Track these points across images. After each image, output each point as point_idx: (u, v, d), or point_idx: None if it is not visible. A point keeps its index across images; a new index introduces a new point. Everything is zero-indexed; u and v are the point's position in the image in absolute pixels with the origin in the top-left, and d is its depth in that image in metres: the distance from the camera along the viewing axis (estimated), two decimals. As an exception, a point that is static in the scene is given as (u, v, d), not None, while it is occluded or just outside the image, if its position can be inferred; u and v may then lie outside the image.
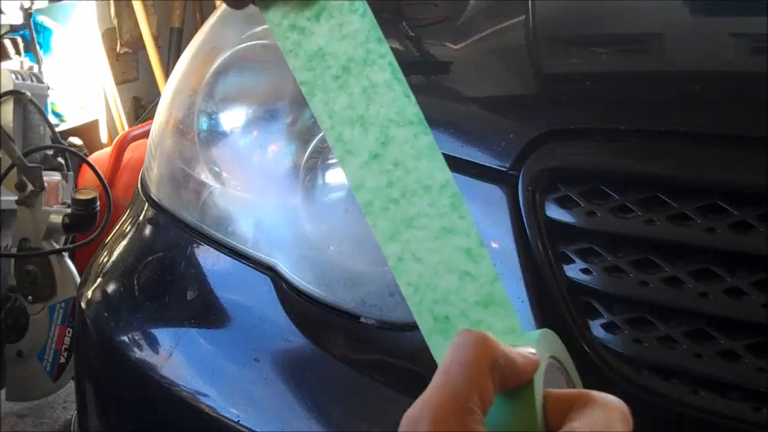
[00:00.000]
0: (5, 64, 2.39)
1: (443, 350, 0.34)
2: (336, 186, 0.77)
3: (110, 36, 3.37)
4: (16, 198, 1.90)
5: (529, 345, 0.35)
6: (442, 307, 0.37)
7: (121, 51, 3.44)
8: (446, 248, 0.38)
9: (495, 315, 0.37)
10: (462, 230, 0.38)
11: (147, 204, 0.90)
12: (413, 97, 0.38)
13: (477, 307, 0.37)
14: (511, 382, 0.34)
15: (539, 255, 0.63)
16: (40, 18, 2.88)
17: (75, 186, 2.21)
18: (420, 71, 0.85)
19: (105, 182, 2.09)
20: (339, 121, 0.37)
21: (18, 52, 2.62)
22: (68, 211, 1.87)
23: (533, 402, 0.34)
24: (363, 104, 0.37)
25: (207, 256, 0.82)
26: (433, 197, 0.38)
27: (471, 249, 0.38)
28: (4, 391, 1.91)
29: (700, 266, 0.58)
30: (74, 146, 2.51)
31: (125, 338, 0.83)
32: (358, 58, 0.38)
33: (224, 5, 0.94)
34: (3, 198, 1.96)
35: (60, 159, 2.19)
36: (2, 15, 2.56)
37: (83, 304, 0.90)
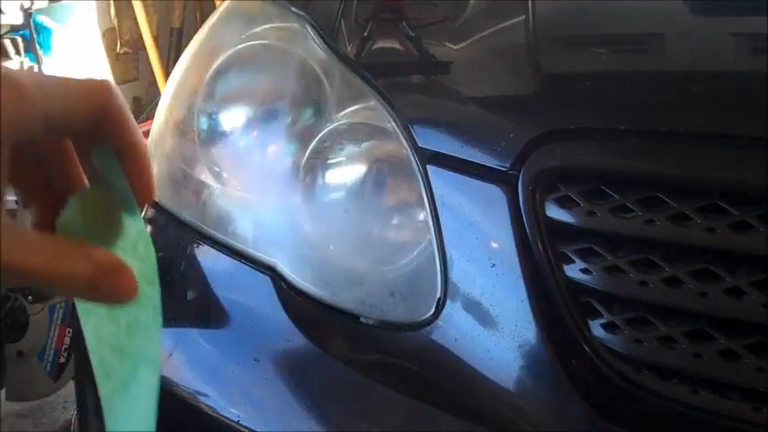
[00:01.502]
0: (5, 64, 2.39)
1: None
2: (336, 186, 0.77)
3: (110, 36, 3.38)
4: (16, 198, 1.90)
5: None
6: None
7: (121, 51, 3.44)
8: None
9: None
10: None
11: (146, 204, 0.90)
12: (159, 337, 0.42)
13: None
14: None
15: (539, 255, 0.63)
16: (40, 18, 2.88)
17: (76, 186, 2.21)
18: (420, 71, 0.85)
19: (105, 182, 2.08)
20: (103, 346, 0.41)
21: (18, 52, 2.62)
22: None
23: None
24: (125, 336, 0.42)
25: (207, 256, 0.82)
26: None
27: None
28: (4, 391, 1.91)
29: (700, 266, 0.58)
30: (74, 146, 2.50)
31: (125, 338, 0.83)
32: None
33: (224, 5, 0.94)
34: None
35: (60, 159, 2.19)
36: (2, 15, 2.56)
37: (83, 304, 0.89)
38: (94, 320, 0.41)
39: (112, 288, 0.37)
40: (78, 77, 0.38)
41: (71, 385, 1.84)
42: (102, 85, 0.38)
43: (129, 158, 0.40)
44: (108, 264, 0.37)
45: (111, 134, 0.39)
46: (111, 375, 0.41)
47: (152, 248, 0.42)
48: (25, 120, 0.34)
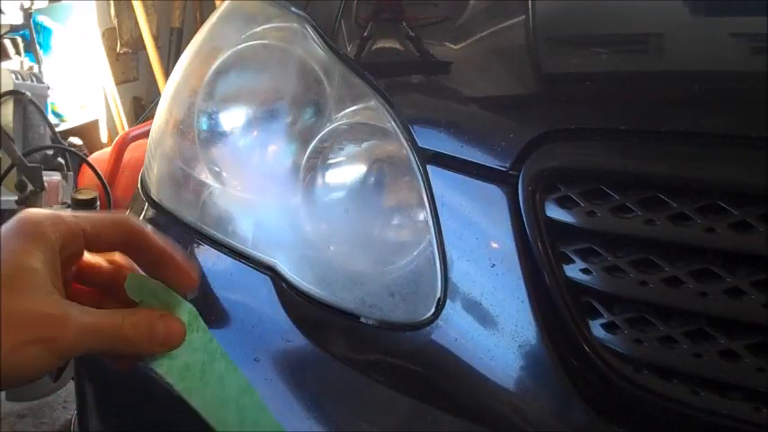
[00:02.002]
0: (5, 64, 2.40)
1: None
2: (336, 186, 0.77)
3: (110, 36, 3.38)
4: (16, 198, 1.90)
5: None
6: None
7: (121, 51, 3.44)
8: None
9: None
10: None
11: (147, 204, 0.90)
12: (238, 369, 0.54)
13: None
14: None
15: (539, 255, 0.63)
16: (40, 18, 2.88)
17: (75, 186, 2.21)
18: (420, 71, 0.85)
19: (105, 182, 2.09)
20: (211, 407, 0.52)
21: (18, 52, 2.62)
22: (69, 211, 1.87)
23: None
24: (219, 388, 0.53)
25: (207, 256, 0.82)
26: None
27: None
28: (4, 392, 1.91)
29: (700, 266, 0.58)
30: (74, 146, 2.51)
31: (125, 338, 0.83)
32: (207, 360, 0.52)
33: (224, 5, 0.94)
34: (3, 198, 1.96)
35: (60, 159, 2.19)
36: (2, 15, 2.56)
37: (83, 304, 0.89)
38: (198, 396, 0.52)
39: (167, 331, 0.49)
40: (102, 213, 0.52)
41: (71, 385, 1.84)
42: (123, 215, 0.52)
43: (164, 262, 0.51)
44: (158, 312, 0.49)
45: (144, 248, 0.51)
46: (228, 422, 0.52)
47: (201, 319, 0.53)
48: (66, 232, 0.48)
